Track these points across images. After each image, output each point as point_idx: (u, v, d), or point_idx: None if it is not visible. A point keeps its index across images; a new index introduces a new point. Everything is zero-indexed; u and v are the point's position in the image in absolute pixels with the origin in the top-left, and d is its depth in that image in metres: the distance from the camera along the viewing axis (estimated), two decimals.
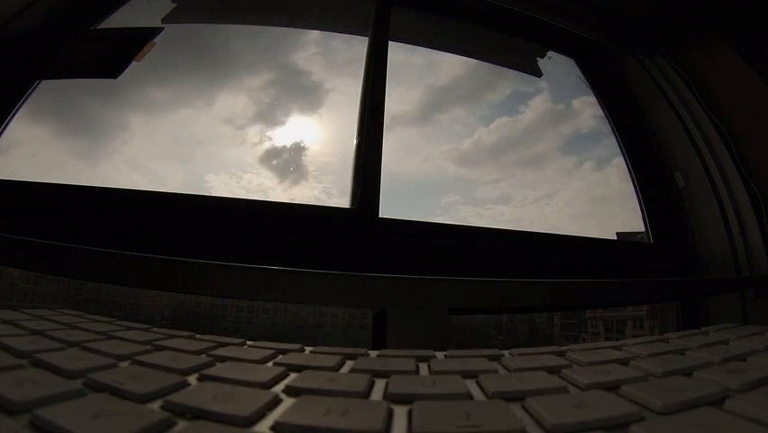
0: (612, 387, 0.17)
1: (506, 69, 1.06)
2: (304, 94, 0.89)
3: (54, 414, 0.13)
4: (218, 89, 0.84)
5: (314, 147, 0.85)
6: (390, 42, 0.85)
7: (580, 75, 1.04)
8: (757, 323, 0.36)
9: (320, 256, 0.63)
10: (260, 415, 0.14)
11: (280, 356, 0.23)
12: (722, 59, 0.85)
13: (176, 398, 0.15)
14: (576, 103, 1.07)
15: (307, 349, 0.26)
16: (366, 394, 0.17)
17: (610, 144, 0.98)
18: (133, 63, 0.72)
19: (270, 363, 0.22)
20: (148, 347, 0.23)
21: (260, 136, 0.83)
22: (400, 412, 0.15)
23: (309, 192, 0.82)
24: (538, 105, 1.08)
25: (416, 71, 0.99)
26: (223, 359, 0.22)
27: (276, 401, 0.16)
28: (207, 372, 0.19)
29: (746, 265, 0.80)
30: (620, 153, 0.97)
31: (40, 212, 0.55)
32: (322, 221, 0.67)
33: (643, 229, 0.92)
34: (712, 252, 0.86)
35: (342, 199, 0.73)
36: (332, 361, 0.22)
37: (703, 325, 0.34)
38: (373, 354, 0.25)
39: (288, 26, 0.91)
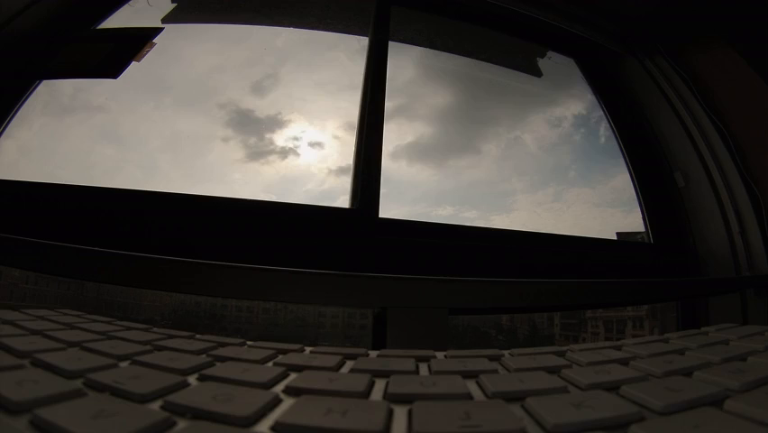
0: (612, 387, 0.17)
1: (506, 68, 1.06)
2: (304, 94, 0.89)
3: (54, 414, 0.13)
4: (217, 89, 0.84)
5: (313, 147, 0.85)
6: (390, 42, 0.85)
7: (580, 75, 1.04)
8: (757, 323, 0.36)
9: (320, 256, 0.63)
10: (260, 415, 0.14)
11: (280, 356, 0.23)
12: (722, 59, 0.85)
13: (176, 398, 0.15)
14: (575, 102, 1.07)
15: (307, 349, 0.26)
16: (366, 394, 0.17)
17: (610, 144, 0.99)
18: (133, 63, 0.72)
19: (270, 363, 0.22)
20: (148, 347, 0.23)
21: (260, 137, 0.83)
22: (400, 412, 0.15)
23: (309, 192, 0.82)
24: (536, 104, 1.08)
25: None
26: (223, 359, 0.22)
27: (276, 401, 0.16)
28: (207, 372, 0.19)
29: (746, 265, 0.80)
30: (620, 153, 0.97)
31: (40, 212, 0.55)
32: (322, 221, 0.67)
33: (643, 229, 0.92)
34: (712, 252, 0.86)
35: (342, 199, 0.73)
36: (332, 361, 0.22)
37: (703, 325, 0.34)
38: (373, 354, 0.25)
39: (288, 26, 0.91)
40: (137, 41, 0.73)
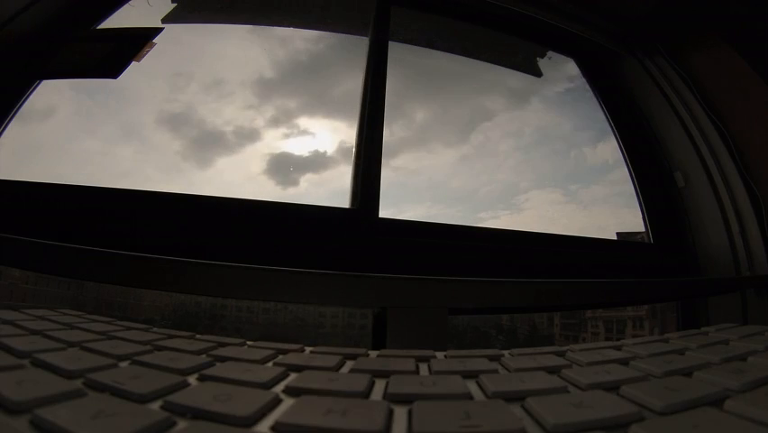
0: (612, 387, 0.17)
1: (506, 68, 1.06)
2: (303, 94, 0.89)
3: (54, 414, 0.13)
4: (218, 89, 0.84)
5: (314, 147, 0.85)
6: (390, 42, 0.85)
7: (580, 75, 1.04)
8: (757, 323, 0.36)
9: (320, 256, 0.63)
10: (260, 415, 0.14)
11: (280, 356, 0.23)
12: (722, 59, 0.85)
13: (176, 398, 0.15)
14: (574, 102, 1.07)
15: (307, 349, 0.26)
16: (366, 394, 0.17)
17: (610, 144, 0.99)
18: (133, 63, 0.72)
19: (270, 364, 0.22)
20: (148, 347, 0.23)
21: (260, 137, 0.83)
22: (400, 412, 0.15)
23: (309, 192, 0.82)
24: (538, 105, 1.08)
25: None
26: (223, 359, 0.22)
27: (276, 401, 0.16)
28: (207, 372, 0.19)
29: (746, 265, 0.80)
30: (620, 153, 0.97)
31: (40, 212, 0.55)
32: (322, 221, 0.67)
33: (643, 229, 0.92)
34: (712, 252, 0.86)
35: (342, 199, 0.73)
36: (332, 361, 0.22)
37: (703, 325, 0.34)
38: (373, 354, 0.25)
39: (288, 26, 0.91)
40: (137, 41, 0.73)
